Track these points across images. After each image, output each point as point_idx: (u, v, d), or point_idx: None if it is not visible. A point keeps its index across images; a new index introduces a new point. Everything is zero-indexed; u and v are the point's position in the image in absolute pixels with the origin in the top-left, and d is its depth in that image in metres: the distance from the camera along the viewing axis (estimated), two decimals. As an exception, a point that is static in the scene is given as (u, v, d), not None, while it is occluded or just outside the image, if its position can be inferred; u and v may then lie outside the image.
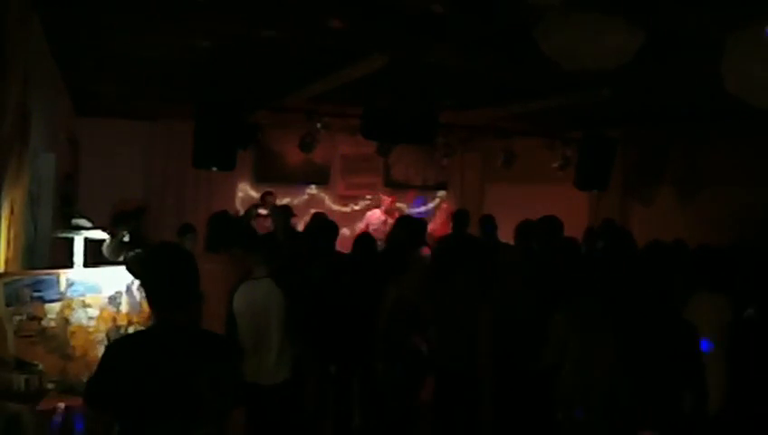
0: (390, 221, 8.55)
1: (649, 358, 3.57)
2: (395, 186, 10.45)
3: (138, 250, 5.88)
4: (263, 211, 8.20)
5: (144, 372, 2.35)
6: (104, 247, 5.25)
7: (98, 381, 2.39)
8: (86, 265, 4.59)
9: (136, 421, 2.35)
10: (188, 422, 2.38)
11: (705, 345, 3.72)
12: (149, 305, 2.50)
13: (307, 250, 5.34)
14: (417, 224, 6.38)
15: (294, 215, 7.43)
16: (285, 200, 9.16)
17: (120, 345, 2.54)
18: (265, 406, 4.27)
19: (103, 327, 3.63)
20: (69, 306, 3.54)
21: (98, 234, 5.05)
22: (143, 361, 2.37)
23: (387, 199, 9.70)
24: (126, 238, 5.36)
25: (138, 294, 3.75)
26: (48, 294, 3.48)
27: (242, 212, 8.68)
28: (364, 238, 5.37)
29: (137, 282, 3.73)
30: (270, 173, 9.52)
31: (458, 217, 7.04)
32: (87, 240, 4.87)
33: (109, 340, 3.55)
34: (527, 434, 4.62)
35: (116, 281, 3.70)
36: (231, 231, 5.32)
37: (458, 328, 4.53)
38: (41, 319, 3.40)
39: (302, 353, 4.52)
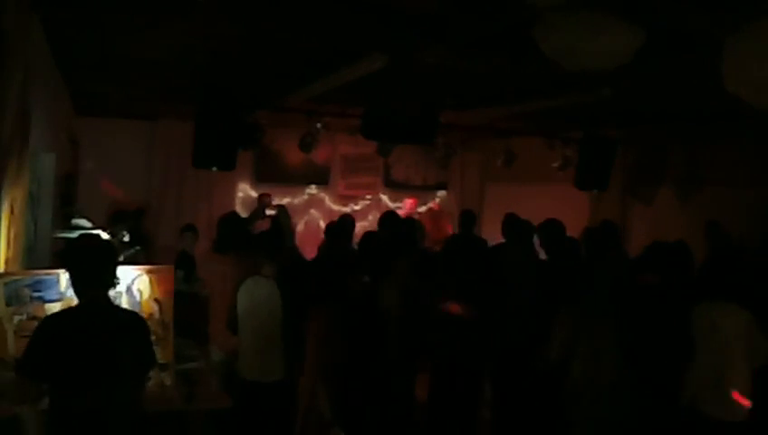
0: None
1: (653, 351, 3.60)
2: (395, 186, 10.44)
3: (137, 248, 5.91)
4: (270, 212, 8.22)
5: (72, 344, 2.65)
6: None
7: (31, 353, 2.66)
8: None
9: (65, 388, 2.65)
10: (111, 388, 2.70)
11: None
12: (74, 288, 2.82)
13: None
14: (400, 223, 6.34)
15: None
16: (285, 200, 9.17)
17: (51, 321, 2.82)
18: (260, 403, 4.27)
19: (103, 327, 3.64)
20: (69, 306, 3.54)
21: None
22: (71, 333, 2.67)
23: (408, 201, 9.66)
24: (126, 238, 5.37)
25: (137, 294, 3.76)
26: (48, 294, 3.49)
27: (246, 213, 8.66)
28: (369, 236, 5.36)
29: (137, 281, 3.75)
30: (270, 173, 9.52)
31: (465, 219, 7.05)
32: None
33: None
34: (528, 432, 4.63)
35: (116, 281, 3.69)
36: (239, 232, 5.34)
37: (475, 326, 4.53)
38: (41, 319, 3.40)
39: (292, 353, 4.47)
